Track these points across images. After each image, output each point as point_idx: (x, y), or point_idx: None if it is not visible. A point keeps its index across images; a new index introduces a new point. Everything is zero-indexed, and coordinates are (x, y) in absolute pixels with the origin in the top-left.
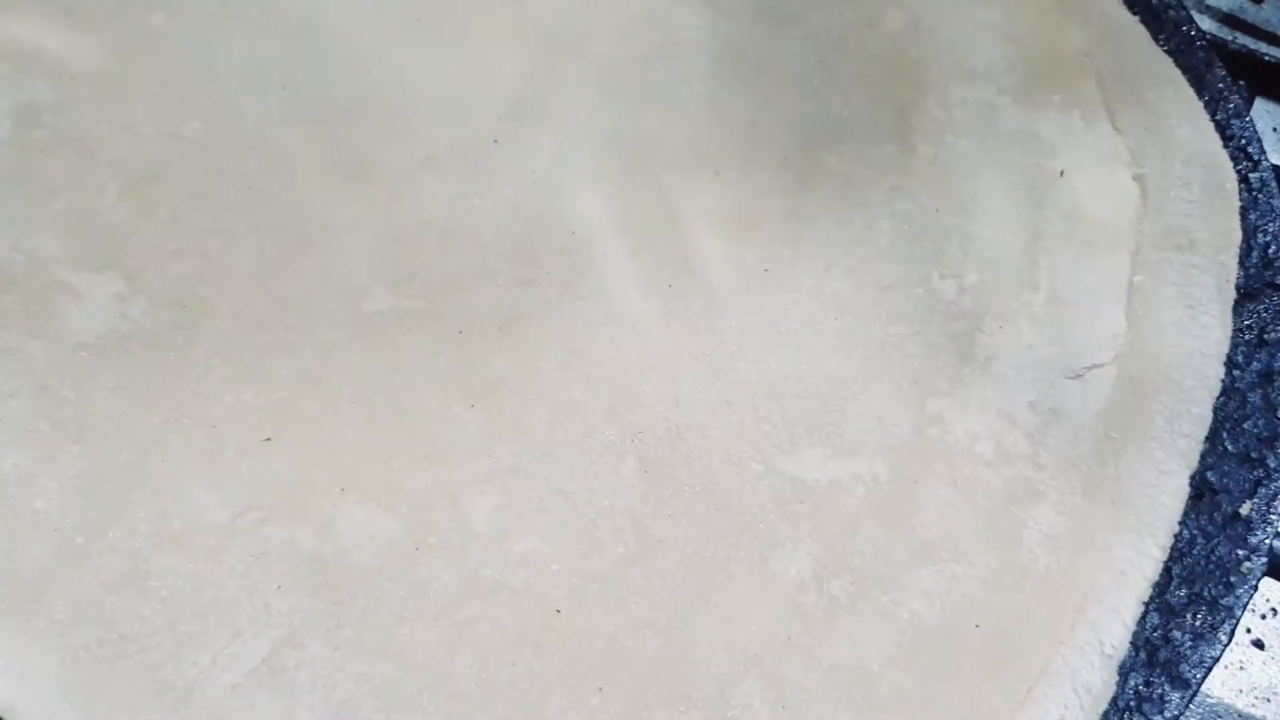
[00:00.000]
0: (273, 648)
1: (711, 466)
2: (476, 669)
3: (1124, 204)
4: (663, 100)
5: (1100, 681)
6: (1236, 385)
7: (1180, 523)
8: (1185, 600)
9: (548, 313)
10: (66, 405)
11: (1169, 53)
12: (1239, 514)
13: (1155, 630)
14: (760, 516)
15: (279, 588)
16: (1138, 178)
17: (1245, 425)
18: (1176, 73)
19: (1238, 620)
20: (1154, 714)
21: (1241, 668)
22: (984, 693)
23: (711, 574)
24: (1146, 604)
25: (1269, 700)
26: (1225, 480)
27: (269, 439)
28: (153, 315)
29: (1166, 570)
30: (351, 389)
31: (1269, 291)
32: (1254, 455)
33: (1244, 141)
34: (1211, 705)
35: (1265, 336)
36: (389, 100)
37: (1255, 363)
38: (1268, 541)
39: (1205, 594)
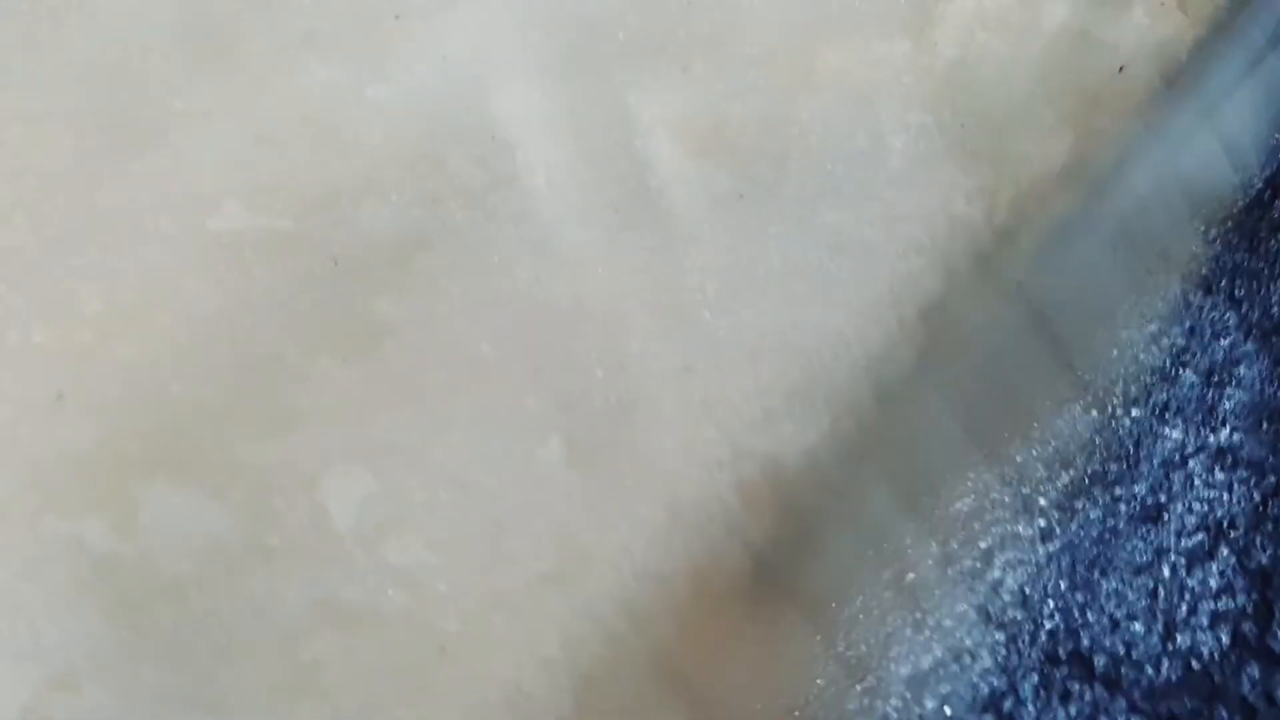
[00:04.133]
0: (34, 692)
1: (663, 451)
2: None
3: None
4: None
5: None
6: None
7: None
8: None
9: (454, 241)
10: None
11: None
12: None
13: None
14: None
15: (56, 603)
16: None
17: None
18: None
19: None
20: None
21: None
22: None
23: None
24: None
25: None
26: None
27: (60, 396)
28: None
29: None
30: (181, 331)
31: None
32: None
33: None
34: None
35: None
36: None
37: None
38: None
39: None
